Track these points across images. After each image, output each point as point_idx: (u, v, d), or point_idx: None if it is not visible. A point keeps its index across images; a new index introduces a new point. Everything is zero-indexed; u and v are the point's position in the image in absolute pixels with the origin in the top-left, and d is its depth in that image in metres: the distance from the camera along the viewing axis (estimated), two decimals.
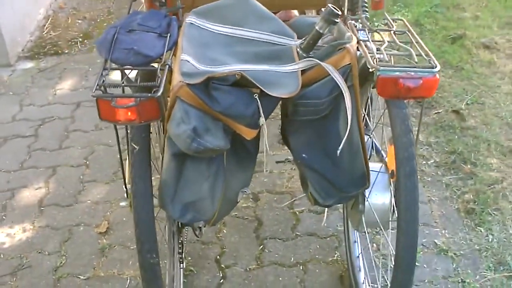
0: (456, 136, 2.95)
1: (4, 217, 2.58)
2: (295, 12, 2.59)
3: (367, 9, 2.00)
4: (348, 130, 1.60)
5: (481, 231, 2.43)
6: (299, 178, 1.91)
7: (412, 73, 1.54)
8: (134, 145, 1.67)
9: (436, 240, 2.39)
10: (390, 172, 1.82)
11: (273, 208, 2.58)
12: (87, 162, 2.89)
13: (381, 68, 1.54)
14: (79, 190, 2.71)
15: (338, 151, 1.62)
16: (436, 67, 1.56)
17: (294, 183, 2.67)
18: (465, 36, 3.77)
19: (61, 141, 3.04)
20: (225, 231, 2.47)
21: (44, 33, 4.06)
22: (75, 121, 3.18)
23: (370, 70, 1.59)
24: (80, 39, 3.98)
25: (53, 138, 3.06)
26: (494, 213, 2.51)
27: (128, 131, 1.70)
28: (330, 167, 1.72)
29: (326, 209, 2.50)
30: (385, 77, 1.54)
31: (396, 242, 1.68)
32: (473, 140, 2.91)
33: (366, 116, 2.08)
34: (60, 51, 3.85)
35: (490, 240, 2.39)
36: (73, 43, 3.95)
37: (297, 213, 2.55)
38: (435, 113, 3.13)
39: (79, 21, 4.24)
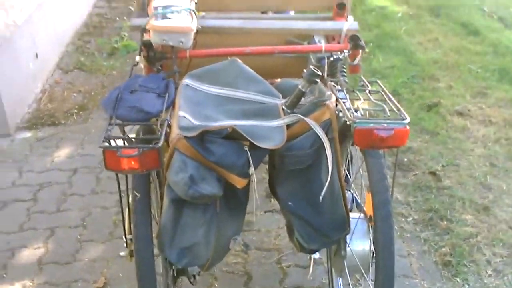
0: (433, 196, 3.13)
1: (4, 275, 2.68)
2: None
3: (345, 73, 2.22)
4: (329, 178, 1.78)
5: (457, 281, 2.58)
6: (285, 236, 2.07)
7: (385, 125, 1.74)
8: (136, 192, 1.83)
9: None
10: (368, 217, 1.98)
11: (261, 263, 2.71)
12: (84, 223, 3.02)
13: (357, 120, 1.74)
14: (77, 249, 2.84)
15: (321, 197, 1.80)
16: (406, 119, 1.76)
17: (281, 240, 2.81)
18: (440, 104, 4.01)
19: (59, 204, 3.17)
20: (216, 285, 2.59)
21: (41, 105, 4.24)
22: (72, 186, 3.33)
23: (348, 123, 1.78)
24: (76, 111, 4.17)
25: (51, 202, 3.20)
26: (469, 265, 2.66)
27: (130, 180, 1.87)
28: (313, 214, 1.88)
29: (312, 263, 2.65)
30: (361, 128, 1.73)
31: (375, 278, 1.83)
32: (449, 199, 3.09)
33: (346, 171, 2.26)
34: (56, 122, 4.03)
35: None
36: (69, 114, 4.14)
37: (284, 267, 2.68)
38: (413, 174, 3.31)
39: (75, 94, 4.44)
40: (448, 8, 6.04)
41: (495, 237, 2.83)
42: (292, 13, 3.24)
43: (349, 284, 2.30)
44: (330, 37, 2.51)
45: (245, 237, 2.84)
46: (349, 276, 2.11)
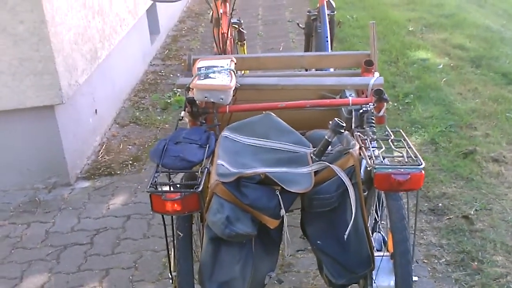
0: (466, 238, 3.26)
1: None
2: None
3: (373, 124, 2.42)
4: (353, 218, 1.98)
5: None
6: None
7: (402, 170, 1.94)
8: (179, 232, 2.06)
9: None
10: (390, 254, 2.16)
11: None
12: (136, 265, 3.26)
13: (377, 166, 1.94)
14: None
15: (346, 236, 2.00)
16: (421, 164, 1.96)
17: (319, 281, 2.99)
18: (476, 152, 4.14)
19: (114, 248, 3.43)
20: None
21: (99, 157, 4.56)
22: (126, 231, 3.59)
23: (368, 168, 1.99)
24: (131, 162, 4.47)
25: (107, 245, 3.46)
26: None
27: (174, 222, 2.10)
28: (340, 251, 2.08)
29: None
30: (380, 173, 1.94)
31: None
32: (480, 241, 3.22)
33: (375, 214, 2.45)
34: (113, 172, 4.33)
35: None
36: (124, 165, 4.44)
37: None
38: (447, 218, 3.46)
39: (130, 146, 4.75)
40: (489, 58, 6.18)
41: None
42: (331, 69, 3.47)
43: None
44: (359, 91, 2.72)
45: (285, 277, 3.03)
46: None
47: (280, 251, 3.01)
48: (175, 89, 5.74)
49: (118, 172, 4.35)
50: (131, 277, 3.17)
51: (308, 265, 3.12)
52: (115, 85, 5.36)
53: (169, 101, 5.56)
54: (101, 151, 4.65)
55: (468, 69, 5.95)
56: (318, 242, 2.10)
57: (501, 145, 4.32)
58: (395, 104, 5.09)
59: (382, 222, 2.45)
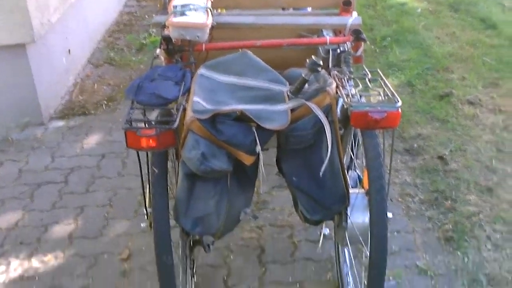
0: (440, 178, 3.31)
1: (38, 248, 2.93)
2: None
3: (350, 64, 2.40)
4: (328, 156, 1.98)
5: (458, 255, 2.76)
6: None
7: (379, 108, 1.93)
8: (154, 168, 2.05)
9: (417, 262, 2.72)
10: (366, 191, 2.18)
11: (274, 238, 2.92)
12: (111, 203, 3.26)
13: (353, 104, 1.93)
14: (104, 225, 3.08)
15: (321, 173, 2.00)
16: (398, 102, 1.95)
17: (294, 218, 3.01)
18: (452, 94, 4.17)
19: (88, 186, 3.42)
20: (231, 257, 2.81)
21: (73, 97, 4.50)
22: (101, 169, 3.58)
23: (345, 107, 1.98)
24: (105, 102, 4.42)
25: (81, 184, 3.45)
26: (470, 240, 2.84)
27: (150, 159, 2.09)
28: (315, 188, 2.09)
29: (321, 238, 2.85)
30: (356, 111, 1.93)
31: (369, 245, 2.02)
32: (454, 181, 3.27)
33: (351, 153, 2.46)
34: (87, 112, 4.29)
35: (465, 262, 2.72)
36: (98, 105, 4.39)
37: (296, 242, 2.89)
38: (422, 159, 3.49)
39: (104, 87, 4.70)
40: (467, 4, 6.17)
41: (497, 215, 2.99)
42: (309, 9, 3.43)
43: (352, 257, 2.51)
44: (337, 31, 2.69)
45: (260, 214, 3.06)
46: (350, 245, 2.30)
47: (256, 189, 3.05)
48: (150, 30, 5.66)
49: (93, 112, 4.31)
50: (106, 215, 3.17)
51: (283, 202, 3.14)
52: (89, 25, 5.25)
53: (144, 42, 5.49)
54: (75, 91, 4.59)
55: (447, 14, 5.94)
56: (294, 178, 2.11)
57: (477, 88, 4.34)
58: (372, 46, 5.08)
59: (357, 160, 2.46)
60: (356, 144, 2.44)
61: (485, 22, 5.67)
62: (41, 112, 4.12)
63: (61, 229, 3.07)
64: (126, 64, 5.09)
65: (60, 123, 4.18)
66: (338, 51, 2.40)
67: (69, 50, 4.64)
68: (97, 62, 5.14)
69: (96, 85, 4.72)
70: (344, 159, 2.34)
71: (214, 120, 1.93)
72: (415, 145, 3.61)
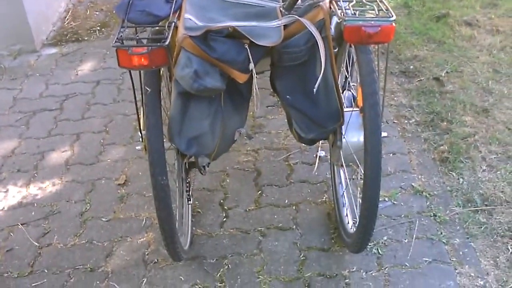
0: (436, 99, 3.29)
1: (36, 175, 2.94)
2: None
3: None
4: (322, 71, 1.96)
5: (453, 175, 2.77)
6: (293, 137, 2.27)
7: (372, 22, 1.89)
8: (147, 88, 2.02)
9: (413, 183, 2.73)
10: (360, 109, 2.16)
11: (270, 161, 2.93)
12: (107, 129, 3.25)
13: (347, 19, 1.89)
14: (100, 151, 3.08)
15: (315, 89, 1.98)
16: (392, 17, 1.90)
17: (290, 141, 3.01)
18: (449, 15, 4.11)
19: (83, 113, 3.41)
20: (228, 180, 2.82)
21: (65, 23, 4.44)
22: (96, 96, 3.56)
23: (339, 21, 1.94)
24: (98, 28, 4.36)
25: (76, 111, 3.43)
26: (465, 161, 2.84)
27: (142, 78, 2.06)
28: (309, 105, 2.07)
29: (317, 160, 2.86)
30: (350, 26, 1.88)
31: (364, 161, 2.02)
32: (450, 102, 3.25)
33: (346, 71, 2.43)
34: (80, 39, 4.23)
35: (460, 182, 2.73)
36: (92, 31, 4.33)
37: (292, 164, 2.90)
38: (418, 80, 3.47)
39: (97, 12, 4.62)
40: None
41: (492, 136, 2.98)
42: None
43: (348, 178, 2.52)
44: None
45: (256, 138, 3.06)
46: (345, 166, 2.30)
47: (252, 113, 3.05)
48: None
49: (86, 38, 4.26)
50: (102, 141, 3.17)
51: (279, 126, 3.13)
52: None
53: None
54: (67, 18, 4.52)
55: None
56: (288, 97, 2.08)
57: (475, 9, 4.27)
58: None
59: (352, 82, 2.43)
60: (351, 63, 2.41)
61: None
62: (33, 39, 4.07)
63: (57, 156, 3.07)
64: None
65: (53, 50, 4.13)
66: None
67: None
68: None
69: (88, 10, 4.65)
70: (339, 79, 2.32)
71: (206, 37, 1.89)
72: (411, 67, 3.58)
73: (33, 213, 2.70)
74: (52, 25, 4.37)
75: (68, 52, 4.08)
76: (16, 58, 4.02)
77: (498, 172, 2.77)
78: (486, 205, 2.59)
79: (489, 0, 4.40)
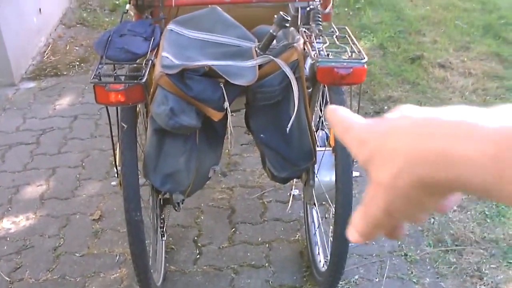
0: None
1: (10, 208, 2.93)
2: None
3: (320, 22, 2.41)
4: (295, 111, 2.00)
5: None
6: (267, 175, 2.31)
7: (344, 64, 1.95)
8: (123, 124, 2.05)
9: None
10: (332, 148, 2.20)
11: (244, 199, 2.95)
12: (83, 164, 3.26)
13: (320, 60, 1.95)
14: (76, 186, 3.08)
15: (288, 128, 2.02)
16: (364, 59, 1.97)
17: (264, 179, 3.04)
18: (423, 57, 4.20)
19: (60, 147, 3.42)
20: (202, 217, 2.83)
21: (45, 58, 4.47)
22: (73, 131, 3.57)
23: (311, 62, 2.00)
24: (78, 63, 4.39)
25: (53, 145, 3.44)
26: None
27: (119, 114, 2.09)
28: (283, 144, 2.11)
29: (291, 198, 2.89)
30: (322, 67, 1.95)
31: (335, 200, 2.05)
32: None
33: (320, 112, 2.48)
34: (59, 73, 4.26)
35: (432, 222, 2.77)
36: (71, 66, 4.36)
37: (266, 203, 2.92)
38: None
39: (76, 48, 4.66)
40: None
41: None
42: None
43: (321, 217, 2.55)
44: None
45: (231, 175, 3.08)
46: (317, 204, 2.33)
47: (227, 151, 3.08)
48: None
49: (65, 73, 4.28)
50: (78, 176, 3.17)
51: (254, 164, 3.16)
52: None
53: (117, 2, 5.44)
54: (46, 52, 4.55)
55: None
56: (262, 135, 2.12)
57: (448, 51, 4.38)
58: (346, 9, 5.08)
59: (326, 122, 2.48)
60: (324, 103, 2.46)
61: None
62: (12, 72, 4.09)
63: (32, 190, 3.07)
64: (99, 25, 5.04)
65: (32, 84, 4.15)
66: (308, 9, 2.40)
67: (40, 9, 4.58)
68: (69, 22, 5.09)
69: (68, 46, 4.68)
70: (313, 118, 2.36)
71: (183, 76, 1.93)
72: (385, 107, 3.65)
73: (5, 247, 2.69)
74: (31, 59, 4.40)
75: (46, 86, 4.10)
76: None
77: (468, 212, 2.82)
78: (456, 245, 2.63)
79: (462, 43, 4.51)
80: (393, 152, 0.47)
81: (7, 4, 3.92)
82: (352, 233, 0.54)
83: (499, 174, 0.41)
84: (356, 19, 4.89)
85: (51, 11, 4.90)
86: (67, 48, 4.62)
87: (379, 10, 5.04)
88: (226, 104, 1.97)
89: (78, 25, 5.05)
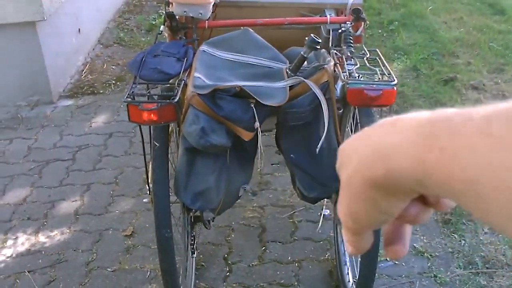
0: None
1: (45, 223, 3.00)
2: None
3: (351, 44, 2.44)
4: (325, 132, 2.02)
5: (455, 237, 2.80)
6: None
7: (374, 86, 1.97)
8: (155, 142, 2.10)
9: (415, 244, 2.76)
10: None
11: (275, 218, 2.97)
12: (117, 181, 3.32)
13: (350, 81, 1.98)
14: (109, 202, 3.14)
15: (317, 149, 2.05)
16: (394, 81, 1.99)
17: (295, 199, 3.05)
18: (456, 79, 4.19)
19: (95, 164, 3.49)
20: (233, 235, 2.86)
21: (82, 76, 4.57)
22: (108, 148, 3.64)
23: (342, 84, 2.03)
24: (114, 82, 4.48)
25: (88, 162, 3.51)
26: (468, 223, 2.87)
27: (152, 133, 2.14)
28: (312, 165, 2.13)
29: (321, 218, 2.90)
30: (353, 88, 1.97)
31: None
32: None
33: (351, 133, 2.50)
34: (96, 91, 4.35)
35: (462, 244, 2.75)
36: (107, 85, 4.45)
37: (296, 222, 2.94)
38: None
39: (113, 67, 4.75)
40: None
41: None
42: None
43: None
44: (339, 12, 2.72)
45: (262, 194, 3.11)
46: None
47: (259, 170, 3.11)
48: (160, 11, 5.70)
49: (101, 92, 4.37)
50: (111, 192, 3.23)
51: (285, 183, 3.19)
52: (99, 5, 5.31)
53: (154, 22, 5.54)
54: (84, 71, 4.65)
55: None
56: (292, 155, 2.15)
57: (482, 73, 4.36)
58: (380, 31, 5.10)
59: None
60: (355, 124, 2.48)
61: (494, 7, 5.67)
62: (50, 90, 4.19)
63: (67, 206, 3.14)
64: (136, 44, 5.14)
65: (69, 101, 4.24)
66: (339, 30, 2.43)
67: (79, 30, 4.70)
68: (107, 42, 5.20)
69: (105, 65, 4.78)
70: (344, 139, 2.38)
71: (214, 96, 1.98)
72: None
73: (40, 261, 2.75)
74: (69, 78, 4.50)
75: (83, 104, 4.19)
76: (33, 108, 4.13)
77: (500, 235, 2.80)
78: (487, 268, 2.61)
79: (496, 65, 4.49)
80: (352, 154, 0.49)
81: (48, 25, 4.03)
82: (345, 245, 0.56)
83: (422, 159, 0.42)
84: (389, 40, 4.91)
85: (90, 31, 5.01)
86: (104, 67, 4.72)
87: (413, 32, 5.05)
88: (257, 124, 2.01)
89: (115, 45, 5.16)
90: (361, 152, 0.48)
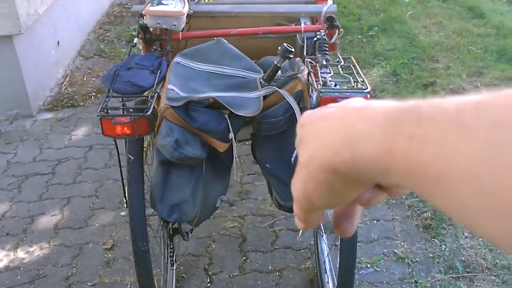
0: None
1: (24, 238, 2.98)
2: None
3: (326, 52, 2.44)
4: None
5: (435, 242, 2.80)
6: None
7: (347, 94, 1.97)
8: (130, 156, 2.09)
9: (395, 250, 2.76)
10: None
11: (256, 227, 2.96)
12: (97, 193, 3.30)
13: (323, 90, 1.97)
14: (89, 215, 3.12)
15: (293, 159, 2.04)
16: (367, 88, 1.99)
17: (276, 208, 3.05)
18: (436, 83, 4.21)
19: (75, 177, 3.47)
20: (213, 246, 2.85)
21: (62, 89, 4.54)
22: (87, 161, 3.62)
23: (315, 92, 2.02)
24: (94, 94, 4.46)
25: (68, 175, 3.49)
26: (448, 228, 2.88)
27: (126, 146, 2.13)
28: (288, 174, 2.12)
29: None
30: (325, 97, 1.97)
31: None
32: None
33: None
34: (76, 104, 4.33)
35: (443, 249, 2.76)
36: (87, 97, 4.43)
37: (277, 231, 2.93)
38: None
39: (93, 79, 4.73)
40: None
41: None
42: None
43: (331, 245, 2.55)
44: (314, 20, 2.72)
45: (243, 204, 3.10)
46: (325, 232, 2.34)
47: (239, 179, 3.11)
48: (140, 22, 5.68)
49: (81, 104, 4.35)
50: (91, 205, 3.21)
51: (265, 192, 3.14)
52: (78, 17, 5.29)
53: (134, 33, 5.49)
54: (64, 83, 4.63)
55: (435, 3, 5.97)
56: (267, 165, 2.14)
57: (461, 77, 4.38)
58: (359, 36, 5.11)
59: None
60: None
61: (473, 11, 5.70)
62: (30, 104, 4.16)
63: (47, 220, 3.11)
64: (116, 56, 5.12)
65: (49, 115, 4.22)
66: (314, 39, 2.43)
67: (58, 42, 4.67)
68: (87, 54, 5.17)
69: (85, 77, 4.76)
70: None
71: (187, 108, 1.97)
72: None
73: (19, 277, 2.72)
74: (49, 90, 4.48)
75: (63, 117, 4.17)
76: (12, 122, 4.11)
77: (480, 239, 2.80)
78: (468, 272, 2.62)
79: (475, 68, 4.51)
80: (314, 135, 0.49)
81: (25, 38, 4.01)
82: (296, 220, 0.55)
83: (388, 148, 0.41)
84: (369, 46, 4.92)
85: (70, 43, 4.99)
86: (84, 79, 4.70)
87: (393, 37, 5.07)
88: (231, 135, 2.00)
89: (95, 56, 5.14)
90: (326, 136, 0.47)
